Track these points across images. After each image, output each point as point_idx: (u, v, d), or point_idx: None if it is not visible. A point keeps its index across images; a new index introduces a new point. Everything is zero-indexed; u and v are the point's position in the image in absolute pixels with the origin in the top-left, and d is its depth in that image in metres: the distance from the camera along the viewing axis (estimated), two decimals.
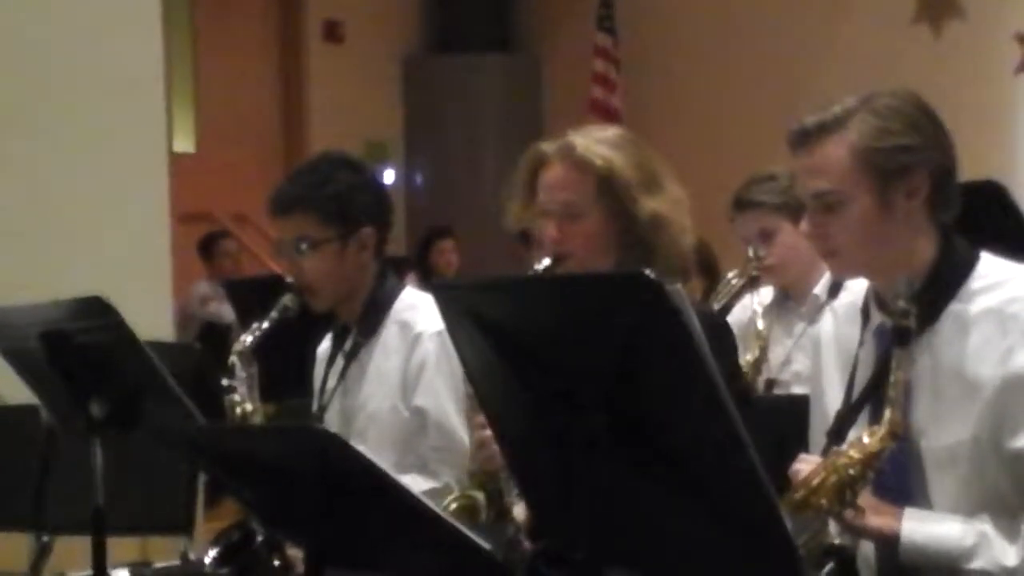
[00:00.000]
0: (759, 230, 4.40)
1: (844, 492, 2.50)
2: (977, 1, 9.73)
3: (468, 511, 3.22)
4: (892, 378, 2.49)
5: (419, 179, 11.40)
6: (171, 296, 6.49)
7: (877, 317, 2.70)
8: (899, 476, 2.61)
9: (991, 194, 3.71)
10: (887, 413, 2.49)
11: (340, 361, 3.69)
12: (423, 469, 3.54)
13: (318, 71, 10.85)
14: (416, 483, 3.38)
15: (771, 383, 4.47)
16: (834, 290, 4.02)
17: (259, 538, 3.25)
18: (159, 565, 4.60)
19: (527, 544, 2.92)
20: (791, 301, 4.52)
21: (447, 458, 3.52)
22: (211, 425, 3.24)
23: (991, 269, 2.65)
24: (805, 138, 2.64)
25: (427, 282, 6.62)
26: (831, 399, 2.77)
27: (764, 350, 4.50)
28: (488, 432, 2.96)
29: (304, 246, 3.56)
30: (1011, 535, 2.55)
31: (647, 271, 2.08)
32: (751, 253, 4.44)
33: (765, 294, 4.58)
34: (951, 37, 9.78)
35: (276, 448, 2.63)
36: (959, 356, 2.59)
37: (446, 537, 2.48)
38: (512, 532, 3.04)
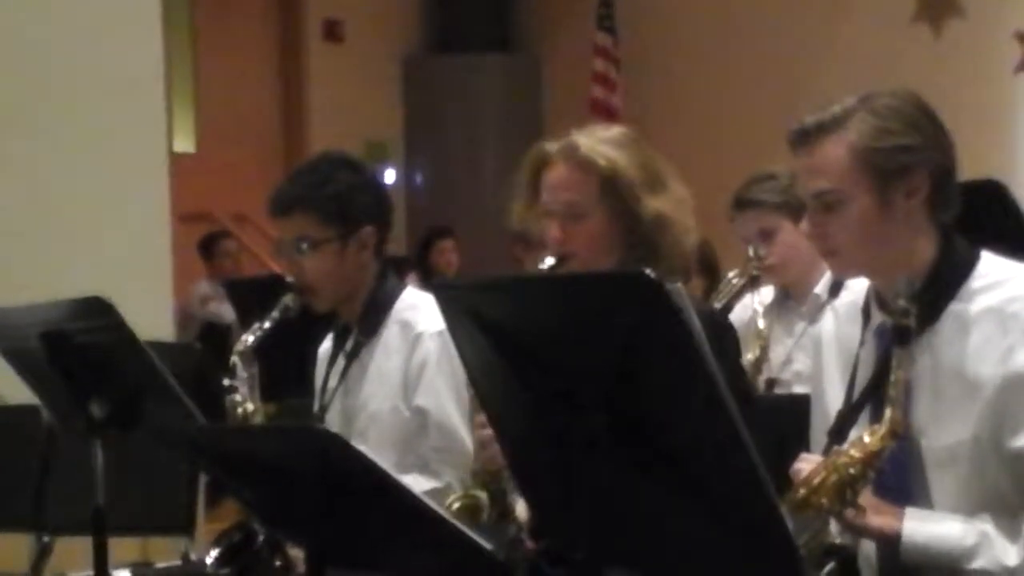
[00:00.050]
0: (759, 229, 4.41)
1: (845, 491, 2.49)
2: (977, 0, 9.73)
3: (471, 511, 3.22)
4: (893, 377, 2.49)
5: (419, 179, 11.40)
6: (171, 296, 6.50)
7: (878, 316, 2.70)
8: (900, 475, 2.61)
9: (991, 194, 3.71)
10: (888, 412, 2.49)
11: (341, 361, 3.69)
12: (424, 469, 3.54)
13: (318, 71, 10.85)
14: (417, 483, 3.38)
15: (772, 382, 4.47)
16: (835, 289, 4.01)
17: (260, 538, 3.25)
18: (160, 566, 4.61)
19: (529, 543, 2.92)
20: (792, 300, 4.52)
21: (448, 458, 3.52)
22: (212, 425, 3.24)
23: (991, 268, 2.65)
24: (805, 138, 2.64)
25: (427, 282, 6.62)
26: (832, 398, 2.77)
27: (765, 349, 4.50)
28: (490, 431, 2.96)
29: (304, 246, 3.56)
30: (1012, 535, 2.55)
31: (647, 270, 2.08)
32: (751, 253, 4.44)
33: (766, 294, 4.58)
34: (951, 36, 9.78)
35: (277, 448, 2.63)
36: (959, 355, 2.59)
37: (447, 537, 2.48)
38: (514, 532, 3.04)
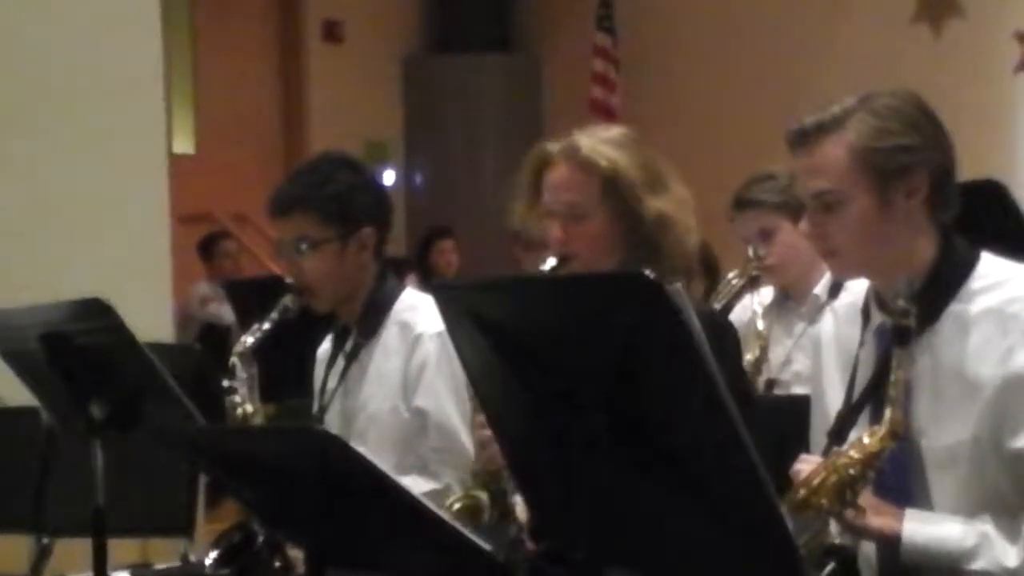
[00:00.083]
0: (759, 229, 4.41)
1: (845, 492, 2.49)
2: (977, 0, 9.73)
3: (471, 511, 3.22)
4: (892, 378, 2.49)
5: (419, 179, 11.40)
6: (171, 297, 6.50)
7: (877, 317, 2.70)
8: (899, 476, 2.61)
9: (991, 194, 3.70)
10: (887, 413, 2.49)
11: (340, 362, 3.68)
12: (423, 470, 3.54)
13: (318, 71, 10.85)
14: (416, 484, 3.37)
15: (771, 383, 4.47)
16: (834, 290, 4.02)
17: (260, 539, 3.25)
18: (160, 567, 4.61)
19: (530, 544, 2.92)
20: (791, 301, 4.52)
21: (448, 459, 3.52)
22: (211, 426, 3.24)
23: (991, 269, 2.65)
24: (804, 138, 2.64)
25: (427, 282, 6.62)
26: (832, 399, 2.77)
27: (764, 350, 4.50)
28: (490, 431, 2.96)
29: (304, 246, 3.56)
30: (1012, 535, 2.55)
31: (647, 271, 2.08)
32: (751, 253, 4.44)
33: (765, 294, 4.58)
34: (951, 36, 9.78)
35: (276, 449, 2.63)
36: (959, 356, 2.59)
37: (446, 538, 2.48)
38: (514, 532, 3.04)
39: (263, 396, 3.63)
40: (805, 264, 4.32)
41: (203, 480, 4.43)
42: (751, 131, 8.34)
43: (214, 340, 7.70)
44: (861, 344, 2.72)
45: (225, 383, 3.58)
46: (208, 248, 9.48)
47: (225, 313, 8.26)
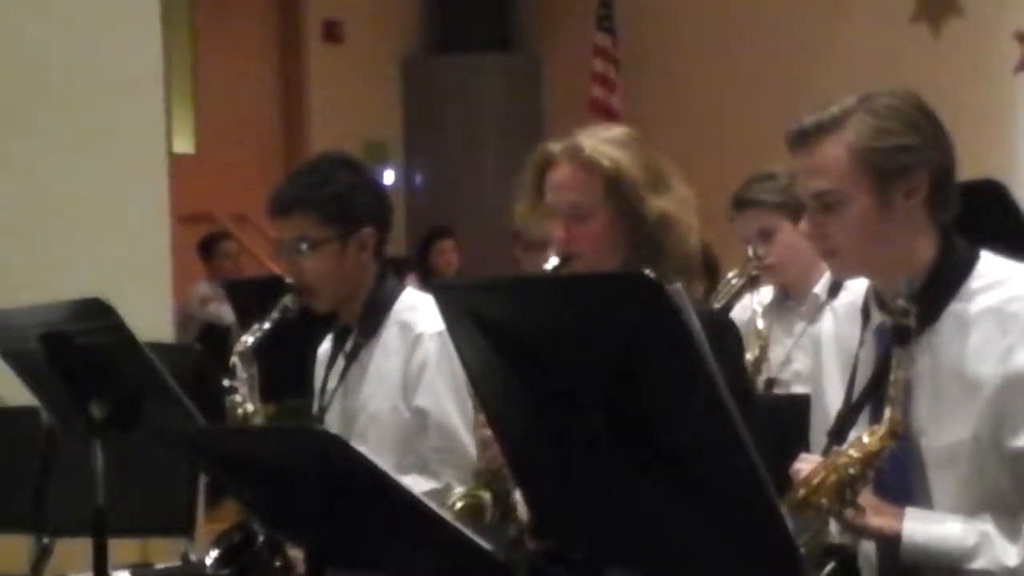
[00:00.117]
0: (759, 229, 4.41)
1: (845, 491, 2.49)
2: (977, 0, 9.73)
3: (474, 511, 3.22)
4: (892, 377, 2.49)
5: (419, 179, 11.40)
6: (171, 297, 6.49)
7: (877, 317, 2.70)
8: (899, 475, 2.61)
9: (991, 193, 3.71)
10: (887, 412, 2.49)
11: (341, 362, 3.69)
12: (424, 470, 3.54)
13: (318, 71, 10.85)
14: (417, 484, 3.37)
15: (771, 382, 4.47)
16: (834, 290, 4.02)
17: (260, 539, 3.25)
18: (160, 567, 4.60)
19: (531, 544, 2.92)
20: (791, 300, 4.53)
21: (448, 459, 3.52)
22: (212, 426, 3.24)
23: (991, 268, 2.65)
24: (804, 138, 2.64)
25: (427, 282, 6.62)
26: (831, 399, 2.77)
27: (764, 349, 4.50)
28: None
29: (304, 246, 3.56)
30: (1012, 535, 2.55)
31: (647, 271, 2.08)
32: (751, 252, 4.45)
33: (765, 294, 4.58)
34: (951, 36, 9.78)
35: (277, 449, 2.63)
36: (959, 355, 2.59)
37: (447, 538, 2.48)
38: (515, 531, 3.04)
39: (263, 396, 3.63)
40: (805, 264, 4.32)
41: (203, 480, 4.43)
42: (751, 131, 8.34)
43: (214, 340, 7.70)
44: (861, 343, 2.72)
45: (225, 383, 3.58)
46: (208, 248, 9.48)
47: (225, 313, 8.26)
